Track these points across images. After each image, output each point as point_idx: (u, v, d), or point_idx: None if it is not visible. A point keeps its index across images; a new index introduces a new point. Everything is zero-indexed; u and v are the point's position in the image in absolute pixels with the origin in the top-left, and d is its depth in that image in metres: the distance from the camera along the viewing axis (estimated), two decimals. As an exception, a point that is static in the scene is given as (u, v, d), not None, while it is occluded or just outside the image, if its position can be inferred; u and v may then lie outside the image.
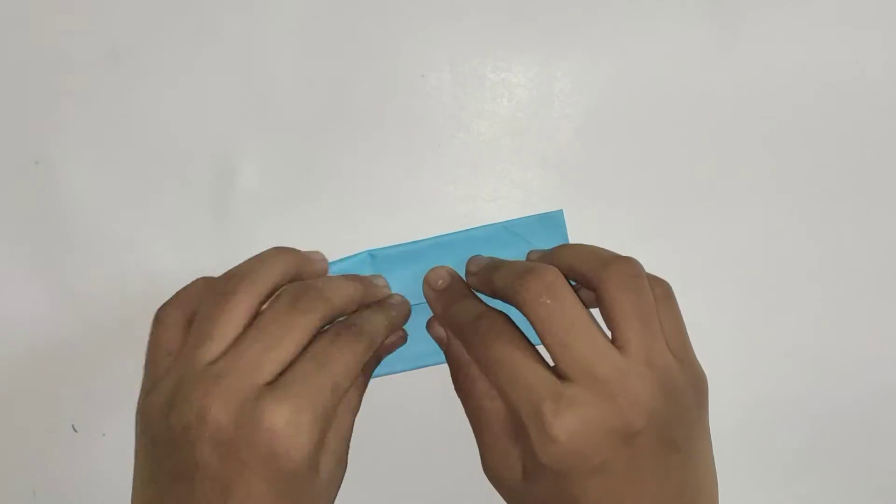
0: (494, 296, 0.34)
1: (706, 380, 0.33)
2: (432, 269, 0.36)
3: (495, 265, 0.34)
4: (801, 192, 0.37)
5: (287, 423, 0.29)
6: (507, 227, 0.37)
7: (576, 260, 0.33)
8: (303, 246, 0.36)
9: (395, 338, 0.36)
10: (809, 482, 0.38)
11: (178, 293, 0.34)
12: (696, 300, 0.36)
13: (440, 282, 0.36)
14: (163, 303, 0.33)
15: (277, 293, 0.32)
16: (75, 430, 0.39)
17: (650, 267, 0.36)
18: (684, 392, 0.31)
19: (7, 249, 0.39)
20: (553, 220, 0.37)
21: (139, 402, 0.32)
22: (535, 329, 0.31)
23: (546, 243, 0.36)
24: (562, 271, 0.32)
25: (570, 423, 0.29)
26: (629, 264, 0.32)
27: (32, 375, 0.39)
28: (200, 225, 0.38)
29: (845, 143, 0.37)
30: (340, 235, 0.37)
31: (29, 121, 0.39)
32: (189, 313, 0.33)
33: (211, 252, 0.38)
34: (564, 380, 0.30)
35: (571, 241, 0.37)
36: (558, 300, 0.31)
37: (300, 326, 0.31)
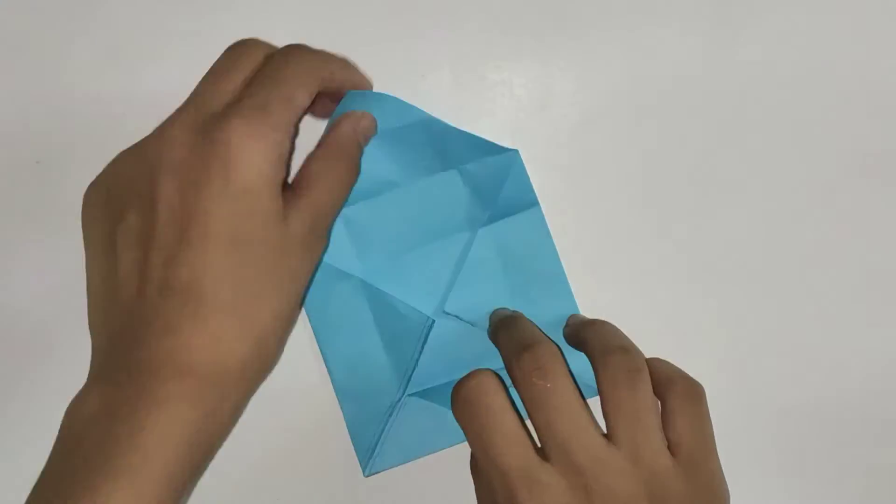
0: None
1: (726, 495, 0.31)
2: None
3: (504, 324, 0.34)
4: (802, 192, 0.37)
5: (240, 133, 0.29)
6: (464, 174, 0.36)
7: (586, 342, 0.33)
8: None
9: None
10: (809, 482, 0.38)
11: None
12: (696, 299, 0.36)
13: None
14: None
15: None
16: (76, 430, 0.39)
17: (651, 267, 0.36)
18: (678, 498, 0.29)
19: (7, 249, 0.39)
20: (507, 164, 0.36)
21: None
22: (524, 407, 0.31)
23: (504, 189, 0.36)
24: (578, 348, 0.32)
25: None
26: (627, 358, 0.31)
27: (32, 375, 0.39)
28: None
29: (846, 143, 0.37)
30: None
31: (29, 121, 0.39)
32: None
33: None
34: (545, 461, 0.29)
35: (552, 215, 0.36)
36: (550, 381, 0.30)
37: (249, 56, 0.31)
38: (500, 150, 0.36)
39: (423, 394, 0.37)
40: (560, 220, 0.37)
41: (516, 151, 0.36)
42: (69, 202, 0.39)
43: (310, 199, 0.31)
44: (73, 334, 0.39)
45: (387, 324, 0.37)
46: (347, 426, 0.37)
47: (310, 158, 0.32)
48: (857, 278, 0.37)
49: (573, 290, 0.37)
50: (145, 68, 0.38)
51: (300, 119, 0.31)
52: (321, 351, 0.37)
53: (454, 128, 0.35)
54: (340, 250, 0.36)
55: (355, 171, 0.33)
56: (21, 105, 0.39)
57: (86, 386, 0.30)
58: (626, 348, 0.32)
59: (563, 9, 0.37)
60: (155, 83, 0.38)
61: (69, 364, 0.39)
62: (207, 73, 0.32)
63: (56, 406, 0.40)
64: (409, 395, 0.36)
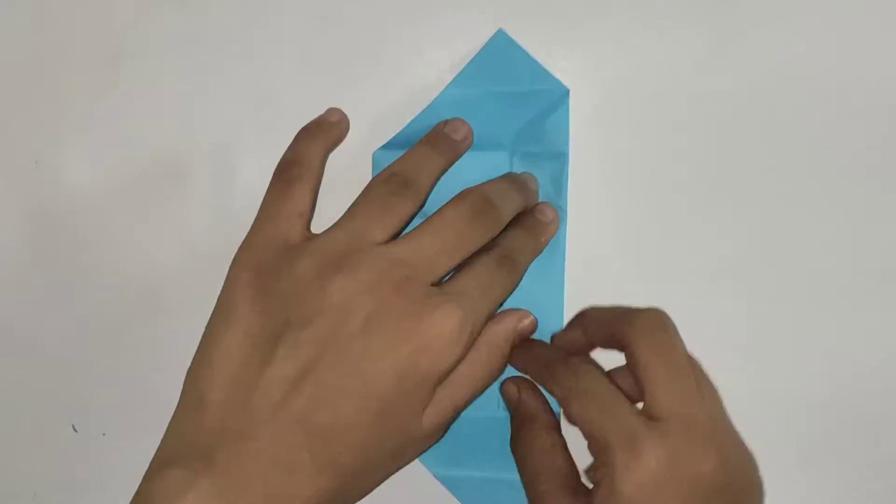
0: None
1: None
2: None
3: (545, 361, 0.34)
4: (802, 192, 0.37)
5: (452, 329, 0.29)
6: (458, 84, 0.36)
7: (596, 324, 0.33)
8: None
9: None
10: (809, 482, 0.38)
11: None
12: (697, 300, 0.36)
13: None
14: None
15: (459, 197, 0.32)
16: (75, 430, 0.39)
17: (651, 267, 0.36)
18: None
19: (7, 249, 0.39)
20: (500, 46, 0.36)
21: (242, 253, 0.32)
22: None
23: (512, 72, 0.36)
24: (589, 339, 0.33)
25: (654, 459, 0.28)
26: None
27: (32, 375, 0.39)
28: (200, 225, 0.38)
29: (846, 143, 0.37)
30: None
31: (29, 121, 0.39)
32: None
33: (211, 252, 0.38)
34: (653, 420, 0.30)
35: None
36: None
37: (474, 241, 0.32)
38: (553, 83, 0.36)
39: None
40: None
41: (567, 91, 0.36)
42: (69, 202, 0.39)
43: (452, 402, 0.31)
44: (73, 334, 0.39)
45: None
46: None
47: (465, 360, 0.32)
48: (859, 277, 0.37)
49: (574, 285, 0.37)
50: (145, 68, 0.38)
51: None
52: None
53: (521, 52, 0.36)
54: None
55: (500, 372, 0.33)
56: (21, 105, 0.39)
57: (167, 459, 0.30)
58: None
59: (563, 9, 0.37)
60: (155, 83, 0.38)
61: (66, 360, 0.40)
62: (425, 225, 0.32)
63: (56, 405, 0.40)
64: None
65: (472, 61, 0.36)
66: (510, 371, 0.34)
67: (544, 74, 0.36)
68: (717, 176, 0.37)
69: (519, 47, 0.36)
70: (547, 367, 0.33)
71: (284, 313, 0.30)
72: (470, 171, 0.36)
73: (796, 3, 0.37)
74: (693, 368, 0.31)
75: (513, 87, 0.36)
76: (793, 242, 0.37)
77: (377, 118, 0.37)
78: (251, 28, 0.38)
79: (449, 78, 0.37)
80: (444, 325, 0.29)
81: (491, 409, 0.36)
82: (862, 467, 0.37)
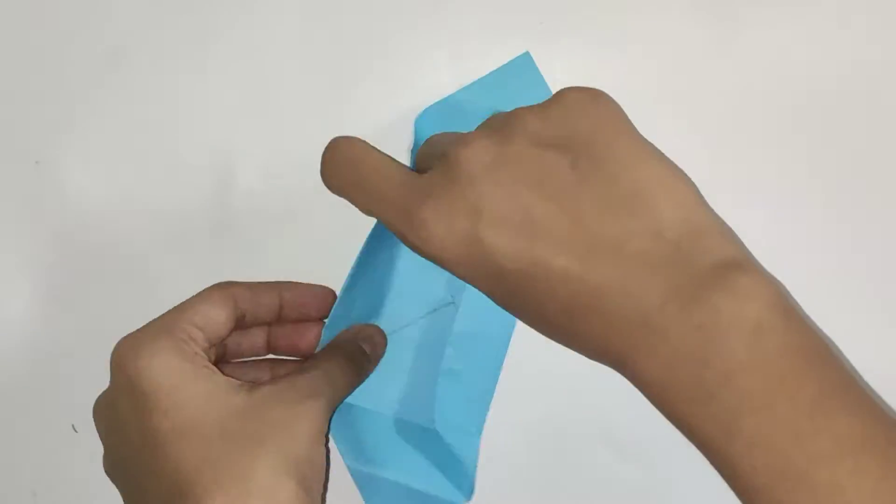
0: None
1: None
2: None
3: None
4: (802, 192, 0.37)
5: (123, 349, 0.31)
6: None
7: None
8: (305, 248, 0.36)
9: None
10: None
11: None
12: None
13: None
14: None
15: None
16: (75, 430, 0.39)
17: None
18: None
19: (7, 249, 0.39)
20: (520, 68, 0.36)
21: None
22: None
23: (522, 94, 0.35)
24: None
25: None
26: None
27: (32, 375, 0.39)
28: (201, 224, 0.38)
29: (847, 143, 0.37)
30: (343, 234, 0.37)
31: (29, 121, 0.39)
32: None
33: (211, 251, 0.38)
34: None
35: None
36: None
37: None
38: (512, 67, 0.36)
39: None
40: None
41: (527, 53, 0.36)
42: (69, 202, 0.39)
43: (296, 375, 0.31)
44: (73, 334, 0.39)
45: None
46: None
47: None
48: (859, 277, 0.37)
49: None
50: (145, 68, 0.38)
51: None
52: None
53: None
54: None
55: (354, 365, 0.33)
56: (21, 105, 0.39)
57: None
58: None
59: (563, 9, 0.37)
60: (155, 83, 0.38)
61: (66, 360, 0.40)
62: None
63: (56, 406, 0.40)
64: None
65: (489, 74, 0.36)
66: None
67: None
68: (717, 175, 0.37)
69: (538, 73, 0.36)
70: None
71: None
72: None
73: (797, 4, 0.37)
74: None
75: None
76: (792, 243, 0.37)
77: (378, 119, 0.37)
78: (251, 28, 0.38)
79: (447, 81, 0.37)
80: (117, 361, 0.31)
81: (426, 419, 0.37)
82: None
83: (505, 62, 0.36)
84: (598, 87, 0.37)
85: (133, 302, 0.39)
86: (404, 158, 0.37)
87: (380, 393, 0.36)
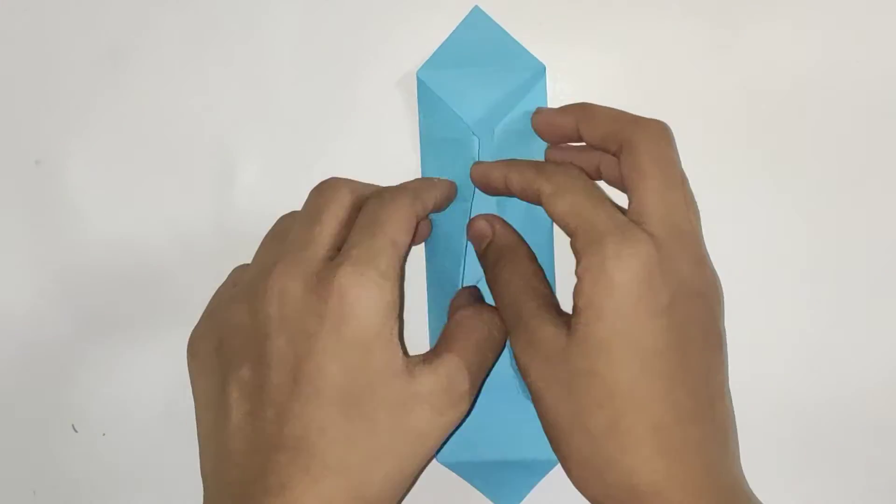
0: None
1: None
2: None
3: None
4: (802, 192, 0.37)
5: (351, 283, 0.28)
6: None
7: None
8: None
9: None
10: (809, 482, 0.38)
11: None
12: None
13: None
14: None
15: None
16: (75, 430, 0.39)
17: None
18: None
19: (7, 249, 0.39)
20: (476, 24, 0.36)
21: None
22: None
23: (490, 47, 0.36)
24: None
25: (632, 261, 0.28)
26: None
27: (32, 375, 0.39)
28: (201, 224, 0.38)
29: (846, 143, 0.37)
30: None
31: (29, 121, 0.39)
32: None
33: (212, 251, 0.38)
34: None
35: None
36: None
37: (338, 199, 0.31)
38: (530, 60, 0.36)
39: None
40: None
41: (543, 68, 0.36)
42: (69, 202, 0.39)
43: (446, 357, 0.30)
44: (73, 334, 0.39)
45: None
46: None
47: (452, 319, 0.32)
48: (858, 277, 0.37)
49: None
50: (145, 68, 0.38)
51: (405, 259, 0.31)
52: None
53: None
54: None
55: (500, 334, 0.33)
56: (21, 105, 0.39)
57: None
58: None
59: (564, 10, 0.37)
60: (155, 83, 0.38)
61: (66, 360, 0.40)
62: (301, 217, 0.31)
63: (56, 406, 0.40)
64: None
65: (446, 40, 0.36)
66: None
67: (521, 52, 0.36)
68: (716, 175, 0.37)
69: (495, 24, 0.36)
70: (535, 166, 0.32)
71: (229, 370, 0.31)
72: (446, 153, 0.36)
73: (798, 4, 0.37)
74: (686, 186, 0.31)
75: (487, 66, 0.36)
76: (793, 242, 0.37)
77: (377, 116, 0.37)
78: (251, 27, 0.38)
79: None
80: (342, 284, 0.29)
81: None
82: (862, 467, 0.38)
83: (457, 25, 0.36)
84: (598, 87, 0.37)
85: (133, 302, 0.39)
86: (408, 154, 0.37)
87: None
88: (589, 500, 0.30)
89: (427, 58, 0.37)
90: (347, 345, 0.28)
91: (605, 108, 0.33)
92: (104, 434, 0.39)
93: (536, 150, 0.36)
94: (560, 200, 0.30)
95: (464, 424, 0.35)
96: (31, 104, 0.39)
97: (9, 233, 0.39)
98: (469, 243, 0.35)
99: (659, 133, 0.31)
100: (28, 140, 0.39)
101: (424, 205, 0.32)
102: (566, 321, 0.30)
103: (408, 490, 0.31)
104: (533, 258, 0.33)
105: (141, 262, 0.39)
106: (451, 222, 0.35)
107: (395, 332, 0.29)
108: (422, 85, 0.36)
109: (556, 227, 0.36)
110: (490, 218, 0.35)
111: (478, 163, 0.35)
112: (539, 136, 0.35)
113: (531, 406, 0.34)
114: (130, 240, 0.39)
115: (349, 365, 0.28)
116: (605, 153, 0.33)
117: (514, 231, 0.34)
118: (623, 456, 0.28)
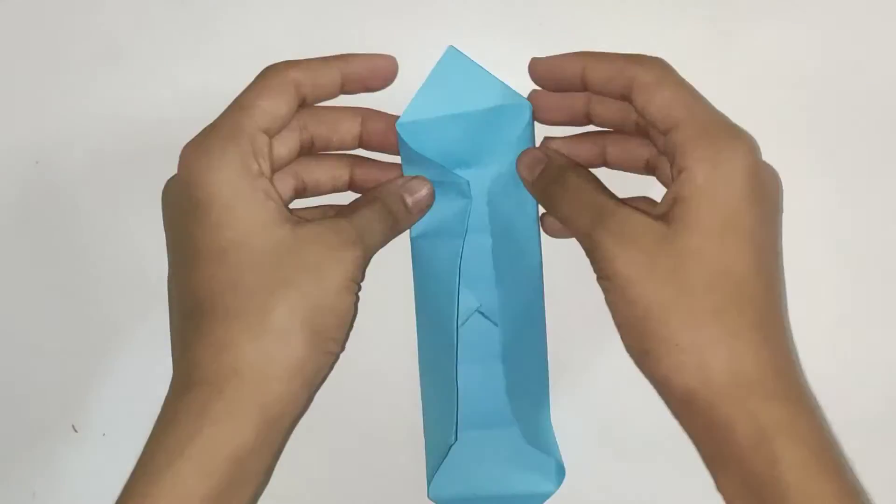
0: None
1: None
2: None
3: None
4: (802, 192, 0.37)
5: (187, 151, 0.31)
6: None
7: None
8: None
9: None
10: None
11: None
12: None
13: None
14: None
15: None
16: (75, 430, 0.39)
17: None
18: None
19: (7, 249, 0.39)
20: (452, 64, 0.34)
21: None
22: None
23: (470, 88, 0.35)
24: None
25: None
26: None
27: (32, 375, 0.39)
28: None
29: (847, 143, 0.37)
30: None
31: (29, 121, 0.39)
32: None
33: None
34: None
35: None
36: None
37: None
38: (514, 97, 0.35)
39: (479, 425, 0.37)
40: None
41: (529, 105, 0.35)
42: (69, 202, 0.39)
43: (331, 217, 0.32)
44: (73, 334, 0.39)
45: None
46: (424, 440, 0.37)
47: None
48: (860, 277, 0.37)
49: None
50: (145, 68, 0.38)
51: (272, 123, 0.32)
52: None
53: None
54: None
55: (391, 217, 0.34)
56: (21, 105, 0.39)
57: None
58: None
59: (564, 10, 0.37)
60: (155, 83, 0.38)
61: (66, 360, 0.40)
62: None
63: (56, 406, 0.40)
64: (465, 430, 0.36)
65: (424, 85, 0.34)
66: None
67: (503, 89, 0.35)
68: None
69: (472, 63, 0.34)
70: (621, 54, 0.32)
71: None
72: (439, 200, 0.35)
73: (798, 4, 0.37)
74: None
75: (471, 106, 0.34)
76: (791, 242, 0.37)
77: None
78: (251, 27, 0.38)
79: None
80: (182, 163, 0.32)
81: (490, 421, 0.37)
82: (862, 467, 0.38)
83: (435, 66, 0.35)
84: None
85: (134, 302, 0.39)
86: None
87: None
88: (679, 391, 0.29)
89: (428, 57, 0.37)
90: (205, 211, 0.30)
91: (605, 53, 0.33)
92: (104, 434, 0.39)
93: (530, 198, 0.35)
94: (663, 90, 0.31)
95: (457, 459, 0.36)
96: (30, 104, 0.39)
97: (9, 233, 0.39)
98: (460, 281, 0.35)
99: (666, 65, 0.32)
100: (28, 140, 0.39)
101: (315, 74, 0.32)
102: (655, 212, 0.30)
103: (325, 320, 0.30)
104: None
105: (140, 261, 0.39)
106: (444, 260, 0.35)
107: (261, 189, 0.30)
108: (400, 139, 0.34)
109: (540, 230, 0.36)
110: (541, 147, 0.35)
111: (538, 58, 0.34)
112: (537, 83, 0.34)
113: (524, 441, 0.35)
114: (130, 240, 0.39)
115: (211, 224, 0.30)
116: (609, 132, 0.35)
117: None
118: (732, 340, 0.28)
